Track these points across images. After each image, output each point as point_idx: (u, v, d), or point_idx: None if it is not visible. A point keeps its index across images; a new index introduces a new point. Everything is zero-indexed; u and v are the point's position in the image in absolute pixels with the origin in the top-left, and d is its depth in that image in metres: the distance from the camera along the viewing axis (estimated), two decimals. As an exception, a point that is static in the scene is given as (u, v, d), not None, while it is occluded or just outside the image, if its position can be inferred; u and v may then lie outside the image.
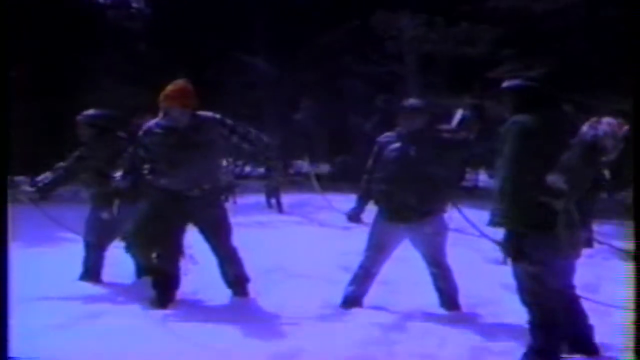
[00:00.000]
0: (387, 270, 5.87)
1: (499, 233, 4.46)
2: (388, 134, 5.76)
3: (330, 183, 17.37)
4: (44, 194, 6.70)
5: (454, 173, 5.55)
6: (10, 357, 4.01)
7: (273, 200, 14.48)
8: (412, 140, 5.52)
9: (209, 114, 5.86)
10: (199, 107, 5.83)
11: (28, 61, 16.20)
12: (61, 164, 6.65)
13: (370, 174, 5.77)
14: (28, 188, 6.72)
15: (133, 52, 17.36)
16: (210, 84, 14.34)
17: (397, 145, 5.56)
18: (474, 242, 7.39)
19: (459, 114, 5.63)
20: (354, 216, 6.04)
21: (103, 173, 6.45)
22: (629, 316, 4.32)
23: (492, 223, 4.34)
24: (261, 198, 15.28)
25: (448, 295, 5.68)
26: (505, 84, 4.55)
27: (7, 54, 3.75)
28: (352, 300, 5.74)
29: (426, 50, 16.37)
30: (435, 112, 5.84)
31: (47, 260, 7.77)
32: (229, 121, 5.86)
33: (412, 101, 5.78)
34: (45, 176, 6.62)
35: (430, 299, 5.74)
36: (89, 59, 16.69)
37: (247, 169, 21.26)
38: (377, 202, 5.69)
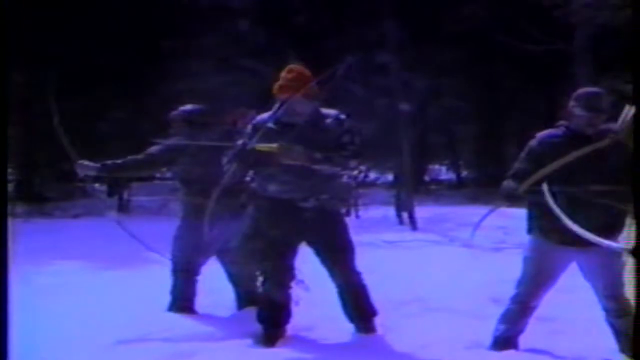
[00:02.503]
0: (548, 303, 5.77)
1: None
2: (552, 131, 5.58)
3: (479, 192, 17.26)
4: (108, 173, 6.98)
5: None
6: None
7: (405, 214, 14.55)
8: (591, 143, 5.31)
9: (333, 111, 5.94)
10: (320, 98, 5.94)
11: (106, 46, 16.88)
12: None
13: (520, 178, 5.43)
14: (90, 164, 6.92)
15: (232, 32, 17.67)
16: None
17: (576, 151, 5.32)
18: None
19: (629, 111, 5.39)
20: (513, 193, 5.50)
21: (194, 179, 6.65)
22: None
23: None
24: (390, 211, 15.38)
25: (629, 337, 5.52)
26: None
27: (7, 53, 3.98)
28: (504, 341, 5.66)
29: (603, 21, 16.00)
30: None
31: (128, 286, 8.05)
32: (353, 126, 5.91)
33: (594, 94, 5.41)
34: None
35: (606, 341, 5.58)
36: (177, 42, 17.13)
37: (372, 175, 21.38)
38: (541, 220, 5.54)
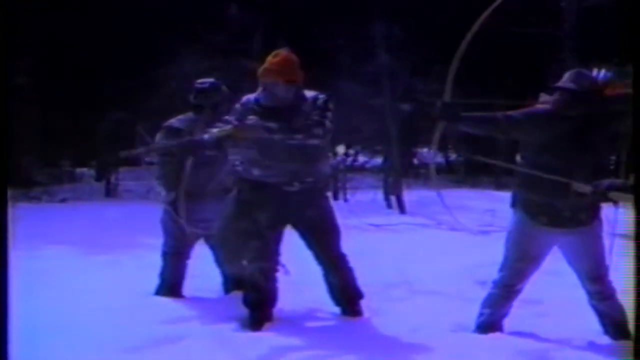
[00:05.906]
0: (533, 286, 5.77)
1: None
2: (538, 106, 5.57)
3: (468, 176, 17.31)
4: None
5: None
6: None
7: (393, 198, 14.59)
8: (570, 122, 5.36)
9: (313, 93, 5.98)
10: (305, 83, 5.96)
11: (82, 34, 16.79)
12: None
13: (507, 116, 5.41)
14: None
15: (218, 17, 17.57)
16: (317, 55, 14.41)
17: (555, 131, 5.38)
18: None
19: (600, 74, 5.39)
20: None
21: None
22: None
23: None
24: (378, 195, 15.41)
25: (612, 319, 5.51)
26: None
27: (7, 53, 4.01)
28: (488, 325, 5.67)
29: (590, 4, 16.07)
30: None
31: (117, 270, 8.07)
32: (328, 104, 5.93)
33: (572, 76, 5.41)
34: None
35: (591, 323, 5.62)
36: (158, 28, 17.01)
37: (361, 158, 21.40)
38: (525, 200, 5.57)
